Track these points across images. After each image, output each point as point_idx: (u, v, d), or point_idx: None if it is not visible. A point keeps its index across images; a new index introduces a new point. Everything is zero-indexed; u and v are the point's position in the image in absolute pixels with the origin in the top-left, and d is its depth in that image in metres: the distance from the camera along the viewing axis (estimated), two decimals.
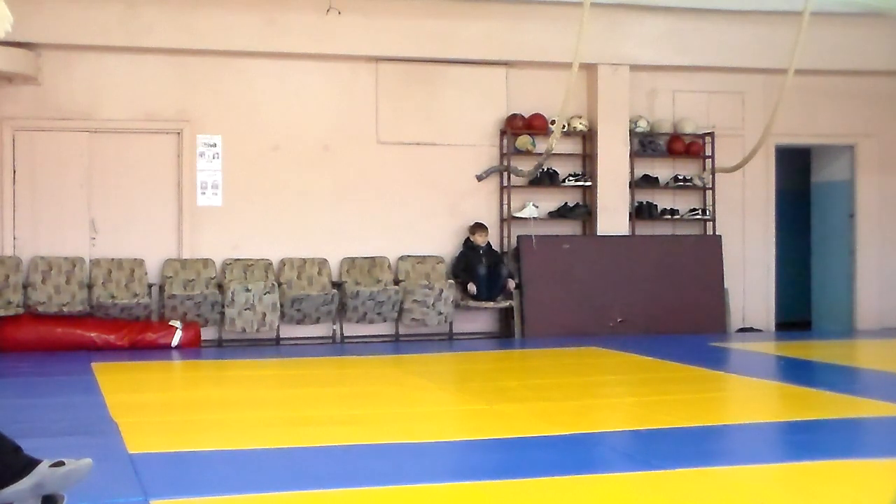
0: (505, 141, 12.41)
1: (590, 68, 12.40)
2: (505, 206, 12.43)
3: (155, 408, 7.42)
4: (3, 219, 11.24)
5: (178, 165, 11.69)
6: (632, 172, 12.72)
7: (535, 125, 12.45)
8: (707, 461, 5.48)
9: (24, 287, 11.06)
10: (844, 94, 13.41)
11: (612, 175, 12.59)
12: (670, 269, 12.55)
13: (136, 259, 11.43)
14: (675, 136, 12.92)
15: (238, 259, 11.72)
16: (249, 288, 11.22)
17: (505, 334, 12.30)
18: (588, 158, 12.72)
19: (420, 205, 12.24)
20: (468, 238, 12.10)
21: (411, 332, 11.98)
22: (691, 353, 10.32)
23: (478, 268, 11.91)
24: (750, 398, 8.07)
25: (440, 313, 11.74)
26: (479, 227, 12.08)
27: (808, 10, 9.95)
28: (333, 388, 8.59)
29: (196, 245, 11.66)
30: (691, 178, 12.94)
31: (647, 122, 12.80)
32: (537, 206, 12.45)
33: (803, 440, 6.21)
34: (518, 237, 12.34)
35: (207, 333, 11.33)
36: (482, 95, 12.42)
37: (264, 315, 11.24)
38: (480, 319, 12.38)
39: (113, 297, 11.14)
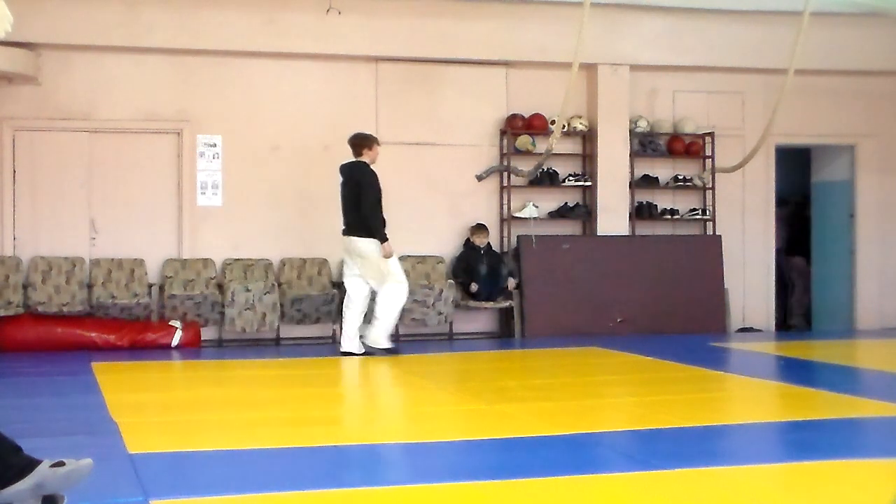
0: (505, 141, 12.40)
1: (590, 68, 12.40)
2: (505, 206, 12.44)
3: (155, 408, 7.42)
4: (3, 219, 11.25)
5: (178, 165, 11.70)
6: (632, 172, 12.72)
7: (535, 125, 12.45)
8: (707, 461, 5.48)
9: (24, 287, 11.06)
10: (844, 94, 13.41)
11: (612, 175, 12.59)
12: (670, 269, 12.55)
13: (136, 259, 11.44)
14: (675, 136, 12.92)
15: (238, 259, 11.72)
16: (249, 288, 11.22)
17: (505, 334, 12.29)
18: (588, 158, 12.72)
19: (420, 205, 12.23)
20: (468, 239, 12.11)
21: (411, 332, 11.97)
22: (691, 353, 10.31)
23: (478, 268, 11.92)
24: (750, 398, 8.07)
25: (440, 313, 11.75)
26: (479, 229, 12.08)
27: (808, 10, 9.96)
28: (333, 388, 8.59)
29: (196, 245, 11.66)
30: (691, 178, 12.93)
31: (647, 122, 12.80)
32: (537, 206, 12.45)
33: (803, 440, 6.21)
34: (518, 237, 12.34)
35: (207, 333, 11.33)
36: (482, 95, 12.41)
37: (264, 315, 11.24)
38: (480, 319, 12.38)
39: (113, 297, 11.14)
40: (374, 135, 10.67)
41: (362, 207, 10.12)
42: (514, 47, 12.31)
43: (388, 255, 10.13)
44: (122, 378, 9.01)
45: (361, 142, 10.37)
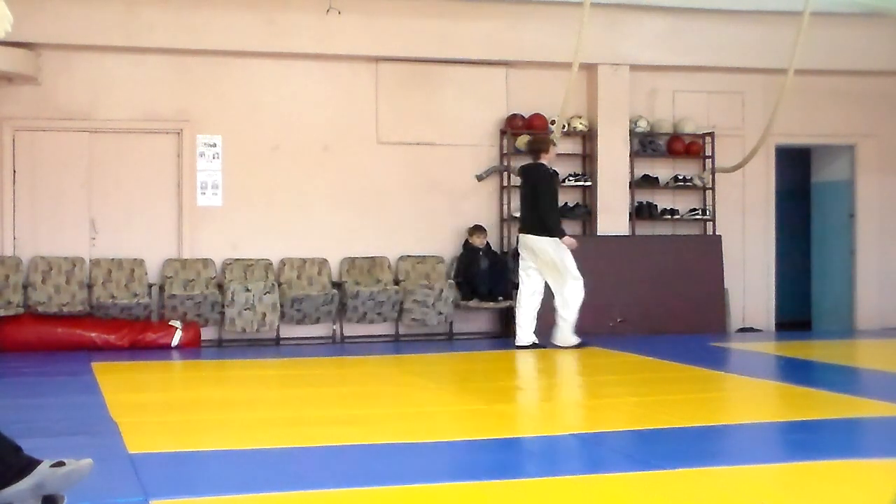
0: (505, 141, 12.41)
1: (590, 68, 12.40)
2: (505, 206, 12.44)
3: (155, 408, 7.41)
4: (3, 219, 11.25)
5: (178, 165, 11.70)
6: (632, 172, 12.72)
7: (535, 125, 12.44)
8: (707, 461, 5.48)
9: (24, 287, 11.06)
10: (844, 94, 13.41)
11: (612, 175, 12.59)
12: (670, 269, 12.54)
13: (136, 259, 11.44)
14: (675, 136, 12.92)
15: (238, 259, 11.72)
16: (249, 288, 11.22)
17: (505, 334, 12.28)
18: (588, 158, 12.72)
19: (420, 205, 12.24)
20: (467, 240, 12.11)
21: (411, 332, 11.98)
22: (691, 353, 10.31)
23: (478, 269, 11.91)
24: (750, 398, 8.06)
25: (440, 313, 11.75)
26: (477, 230, 12.08)
27: (808, 10, 9.98)
28: (333, 388, 8.59)
29: (196, 245, 11.66)
30: (691, 178, 12.93)
31: (647, 122, 12.80)
32: None
33: (803, 440, 6.21)
34: (518, 237, 12.31)
35: (207, 333, 11.34)
36: (482, 95, 12.42)
37: (264, 315, 11.24)
38: (480, 319, 12.38)
39: (113, 297, 11.15)
40: (546, 136, 11.15)
41: (539, 207, 10.56)
42: (514, 47, 12.31)
43: (571, 246, 10.56)
44: (122, 378, 9.01)
45: (538, 146, 10.80)
